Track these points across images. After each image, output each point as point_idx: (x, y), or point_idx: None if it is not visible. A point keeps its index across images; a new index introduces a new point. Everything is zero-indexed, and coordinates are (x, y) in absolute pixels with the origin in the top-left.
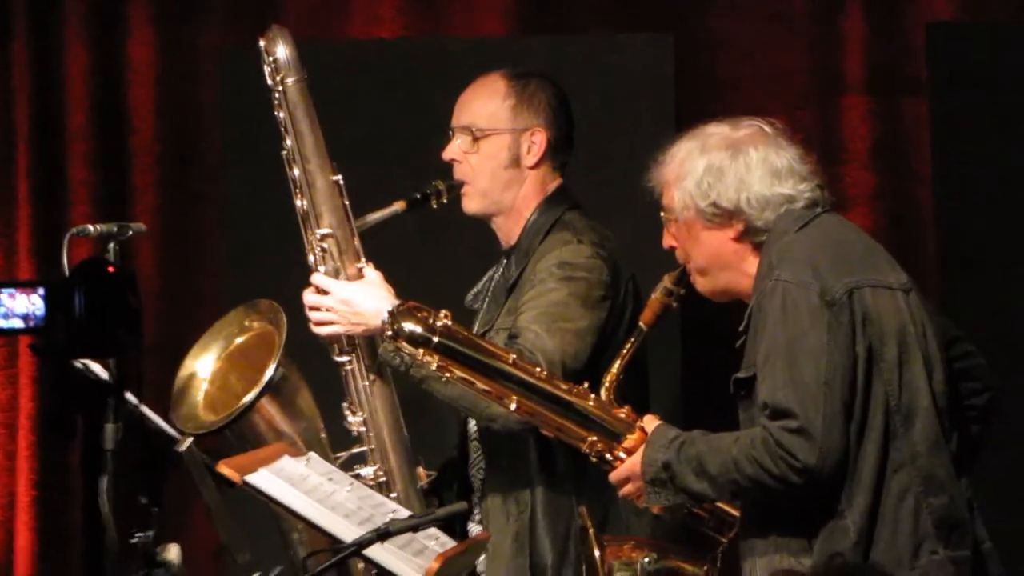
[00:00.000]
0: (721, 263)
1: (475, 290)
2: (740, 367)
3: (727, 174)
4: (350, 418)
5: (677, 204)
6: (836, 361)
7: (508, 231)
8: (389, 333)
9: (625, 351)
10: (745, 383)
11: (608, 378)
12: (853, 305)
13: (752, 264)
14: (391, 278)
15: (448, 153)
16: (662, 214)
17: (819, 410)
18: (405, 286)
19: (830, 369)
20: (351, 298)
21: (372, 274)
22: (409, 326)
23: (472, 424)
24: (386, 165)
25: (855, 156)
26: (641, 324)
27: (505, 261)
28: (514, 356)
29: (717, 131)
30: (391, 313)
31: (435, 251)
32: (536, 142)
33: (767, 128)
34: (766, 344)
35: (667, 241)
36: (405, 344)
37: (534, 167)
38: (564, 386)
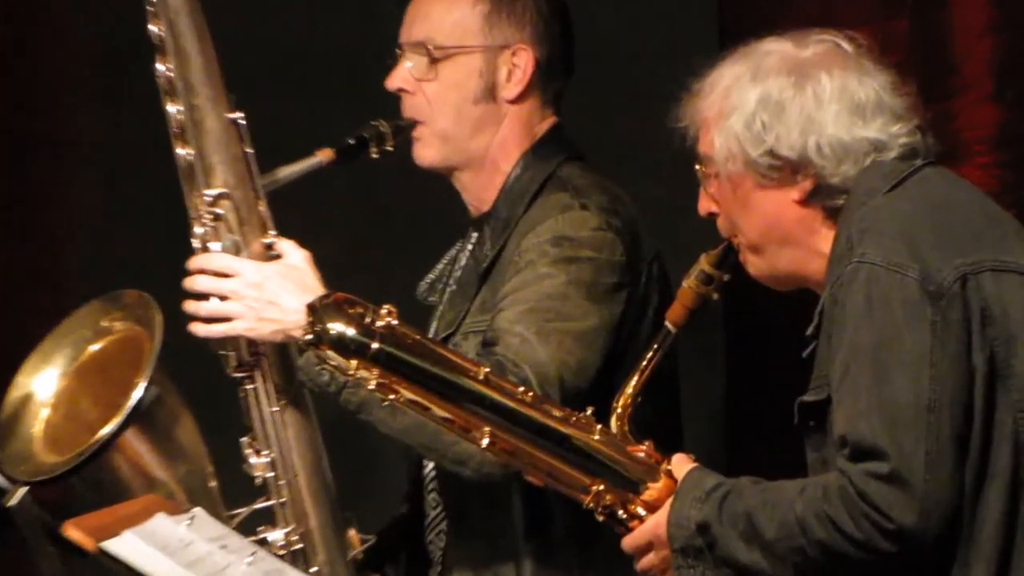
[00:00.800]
0: (781, 236)
1: (431, 277)
2: (808, 386)
3: (789, 110)
4: (252, 459)
5: (719, 152)
6: (944, 377)
7: (479, 192)
8: (309, 337)
9: (645, 363)
10: (815, 409)
11: (622, 401)
12: (968, 297)
13: (825, 238)
14: (319, 262)
15: (394, 80)
16: (697, 167)
17: (920, 446)
18: (333, 270)
19: (935, 388)
20: (264, 283)
21: (295, 253)
22: (338, 327)
23: (429, 466)
24: (310, 98)
25: (974, 81)
26: (668, 324)
27: (475, 235)
28: (487, 370)
29: (776, 49)
30: (312, 308)
31: (376, 220)
32: (519, 64)
33: (845, 45)
34: (844, 354)
35: (704, 205)
36: (332, 353)
37: (516, 100)
38: (558, 413)
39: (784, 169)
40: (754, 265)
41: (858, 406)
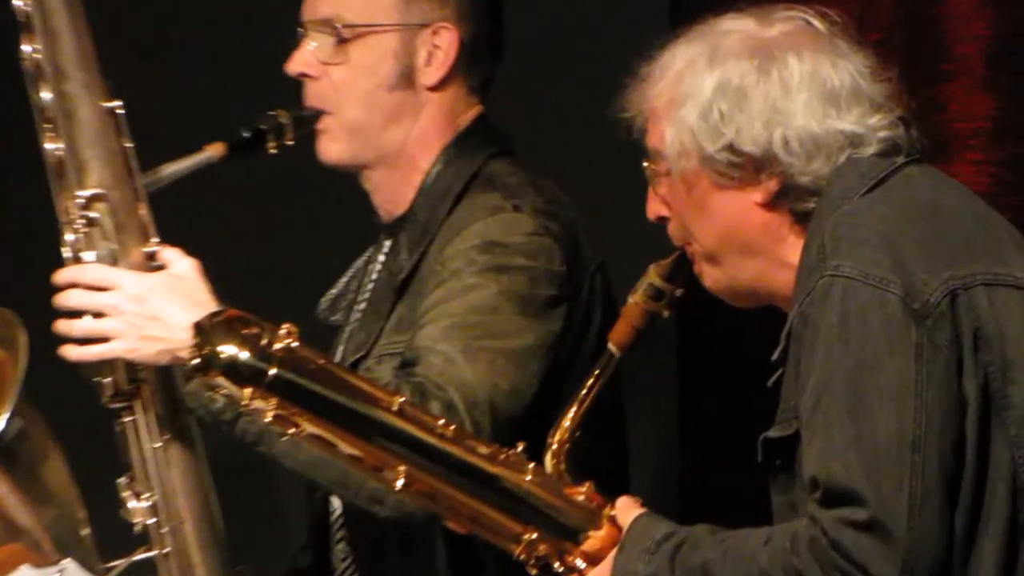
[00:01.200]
0: (742, 244)
1: (334, 292)
2: (774, 419)
3: (752, 98)
4: (131, 503)
5: (670, 147)
6: (931, 409)
7: (393, 192)
8: (196, 362)
9: (585, 391)
10: (782, 446)
11: (558, 436)
12: (958, 315)
13: (793, 247)
14: (210, 272)
15: (296, 64)
16: (645, 164)
17: (902, 490)
18: (224, 281)
19: (921, 422)
20: (146, 296)
21: (181, 262)
22: (229, 350)
23: (337, 511)
24: (197, 84)
25: (966, 65)
26: (612, 346)
27: (389, 243)
28: (402, 400)
29: (737, 28)
30: (200, 328)
31: (274, 225)
32: (441, 46)
33: (817, 23)
34: (816, 382)
35: (654, 208)
36: (223, 380)
37: (437, 87)
38: (485, 450)
39: (745, 167)
40: (711, 278)
41: (831, 443)
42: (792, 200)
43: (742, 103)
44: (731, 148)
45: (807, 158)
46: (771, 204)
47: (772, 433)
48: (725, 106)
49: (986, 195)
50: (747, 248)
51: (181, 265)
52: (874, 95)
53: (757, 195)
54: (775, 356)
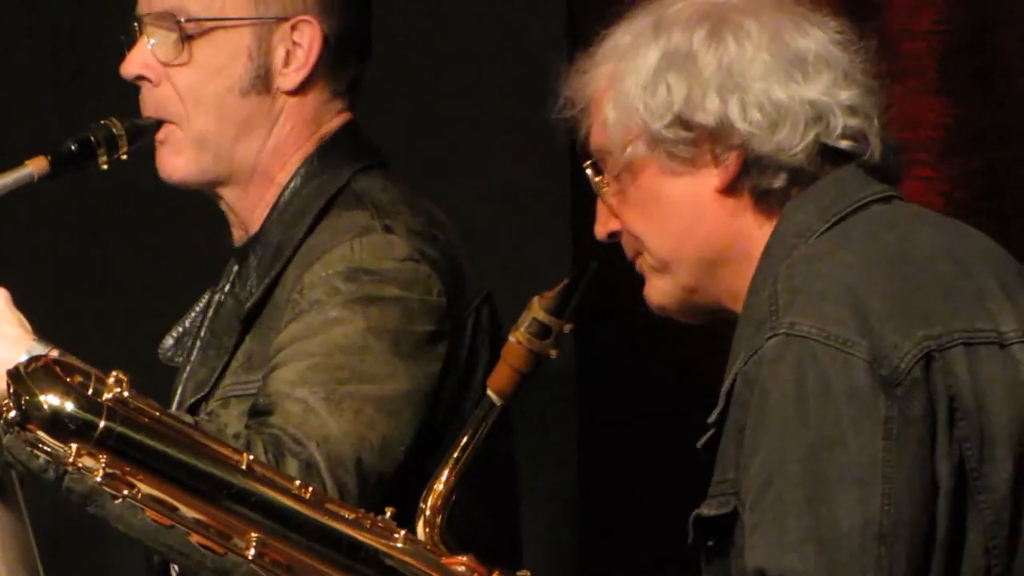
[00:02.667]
0: (700, 242)
1: (179, 329)
2: (706, 491)
3: (703, 62)
4: None
5: (614, 132)
6: (901, 493)
7: (248, 212)
8: (12, 414)
9: (462, 448)
10: (717, 526)
11: (431, 500)
12: (933, 383)
13: (756, 247)
14: (24, 303)
15: (132, 65)
16: (588, 170)
17: None
18: (43, 317)
19: (889, 510)
20: None
21: None
22: (51, 401)
23: (176, 574)
24: (16, 88)
25: (913, 65)
26: (491, 393)
27: (237, 268)
28: (252, 457)
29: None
30: (15, 376)
31: (104, 251)
32: (301, 43)
33: None
34: (766, 459)
35: (603, 224)
36: (43, 435)
37: (297, 90)
38: (349, 515)
39: (699, 143)
40: (659, 291)
41: (785, 534)
42: (755, 177)
43: (692, 69)
44: (680, 121)
45: (770, 126)
46: (731, 187)
47: (706, 511)
48: (672, 76)
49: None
50: (706, 246)
51: None
52: (847, 65)
53: (714, 179)
54: (712, 417)
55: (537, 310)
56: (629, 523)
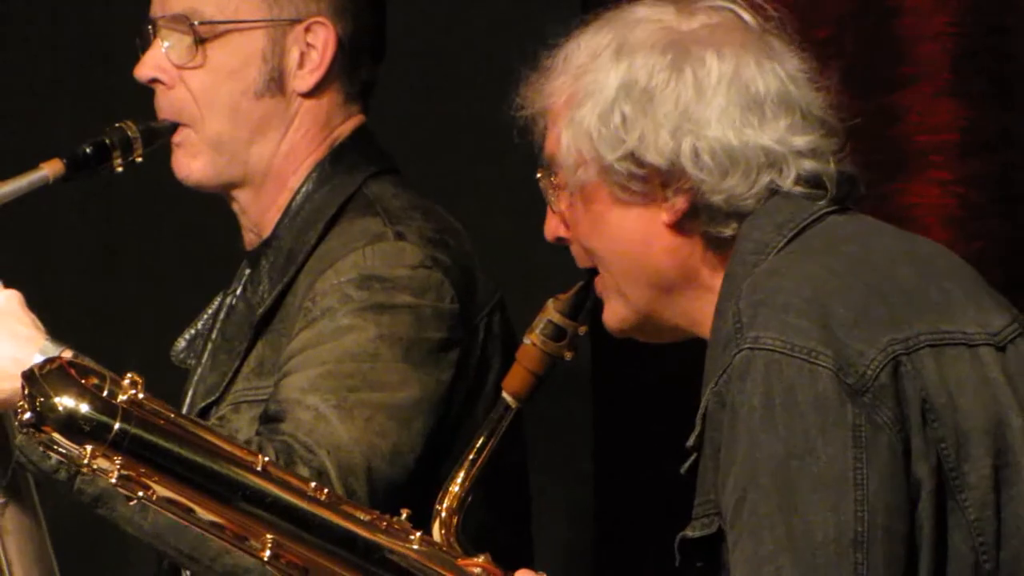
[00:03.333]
0: (650, 271)
1: (191, 332)
2: (691, 515)
3: (660, 100)
4: None
5: (566, 155)
6: (874, 499)
7: (260, 215)
8: (27, 416)
9: (476, 450)
10: (703, 547)
11: (447, 503)
12: (902, 387)
13: (712, 276)
14: (38, 303)
15: (146, 68)
16: (539, 175)
17: None
18: (57, 319)
19: (863, 516)
20: None
21: (2, 297)
22: (66, 403)
23: None
24: (32, 94)
25: (928, 69)
26: (507, 396)
27: (249, 271)
28: (267, 459)
29: (651, 17)
30: (30, 378)
31: (118, 253)
32: (315, 45)
33: (747, 17)
34: (739, 474)
35: (552, 227)
36: (58, 436)
37: (311, 93)
38: (365, 516)
39: (649, 180)
40: (615, 314)
41: (761, 546)
42: (705, 222)
43: (647, 106)
44: (633, 158)
45: (720, 174)
46: (680, 225)
47: (690, 532)
48: (628, 108)
49: (953, 219)
50: (656, 274)
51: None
52: (808, 105)
53: (663, 214)
54: (690, 441)
55: (552, 312)
56: (644, 526)
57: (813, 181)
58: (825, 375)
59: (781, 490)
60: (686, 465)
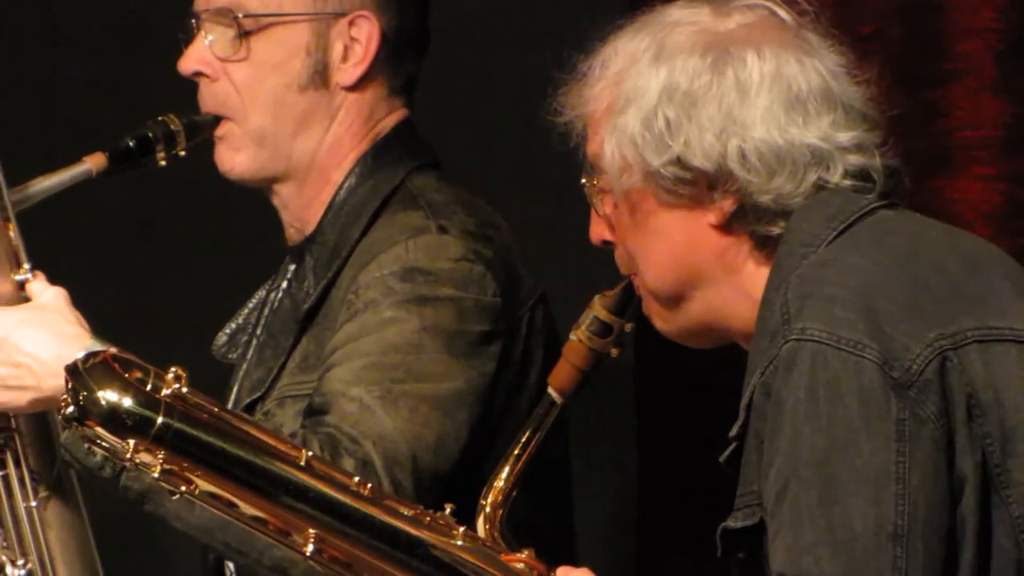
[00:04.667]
0: (694, 274)
1: (232, 326)
2: (733, 506)
3: (703, 103)
4: (8, 570)
5: (610, 161)
6: (915, 494)
7: (303, 210)
8: (70, 410)
9: (522, 445)
10: (745, 537)
11: (491, 498)
12: (948, 382)
13: (753, 278)
14: (82, 300)
15: (189, 62)
16: (584, 180)
17: None
18: (102, 314)
19: (903, 510)
20: (10, 336)
21: (48, 293)
22: (110, 397)
23: (232, 570)
24: (82, 85)
25: (971, 65)
26: (552, 391)
27: (294, 267)
28: (311, 454)
29: (688, 19)
30: (73, 372)
31: (161, 248)
32: (359, 38)
33: (783, 14)
34: (782, 465)
35: (597, 231)
36: (103, 431)
37: (355, 86)
38: (408, 512)
39: (696, 184)
40: (659, 315)
41: (801, 536)
42: (752, 222)
43: (691, 110)
44: (679, 162)
45: (768, 174)
46: (726, 226)
47: (732, 523)
48: (672, 113)
49: (996, 216)
50: (700, 278)
51: (46, 295)
52: (849, 100)
53: (711, 216)
54: (733, 431)
55: (599, 308)
56: (687, 518)
57: (861, 175)
58: (870, 368)
59: (822, 482)
60: (726, 454)
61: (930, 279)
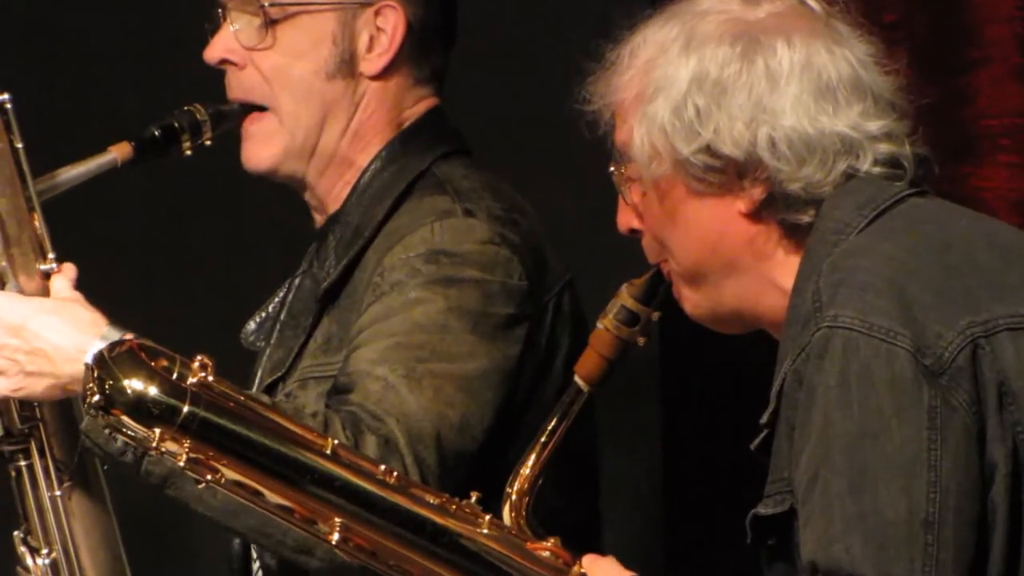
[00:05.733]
0: (724, 262)
1: (262, 315)
2: (763, 493)
3: (733, 92)
4: (29, 560)
5: (639, 149)
6: (947, 481)
7: (327, 194)
8: (96, 399)
9: (548, 432)
10: (775, 524)
11: (517, 485)
12: (980, 370)
13: (783, 266)
14: (108, 290)
15: (216, 50)
16: (612, 168)
17: None
18: (122, 302)
19: (935, 497)
20: (27, 323)
21: (67, 291)
22: (135, 385)
23: (258, 562)
24: (99, 76)
25: (997, 52)
26: (579, 379)
27: (317, 248)
28: (337, 442)
29: (717, 8)
30: (99, 361)
31: (187, 236)
32: (385, 28)
33: (811, 3)
34: (813, 452)
35: (624, 219)
36: (129, 419)
37: (380, 75)
38: (434, 500)
39: (726, 172)
40: (690, 301)
41: (831, 524)
42: (782, 210)
43: (721, 98)
44: (709, 151)
45: (798, 162)
46: (756, 214)
47: (763, 510)
48: (702, 101)
49: (1022, 204)
50: (730, 265)
51: (63, 284)
52: (879, 89)
53: (741, 204)
54: (763, 419)
55: (626, 297)
56: (714, 509)
57: (891, 163)
58: (902, 355)
59: (853, 469)
60: (756, 441)
61: (962, 267)
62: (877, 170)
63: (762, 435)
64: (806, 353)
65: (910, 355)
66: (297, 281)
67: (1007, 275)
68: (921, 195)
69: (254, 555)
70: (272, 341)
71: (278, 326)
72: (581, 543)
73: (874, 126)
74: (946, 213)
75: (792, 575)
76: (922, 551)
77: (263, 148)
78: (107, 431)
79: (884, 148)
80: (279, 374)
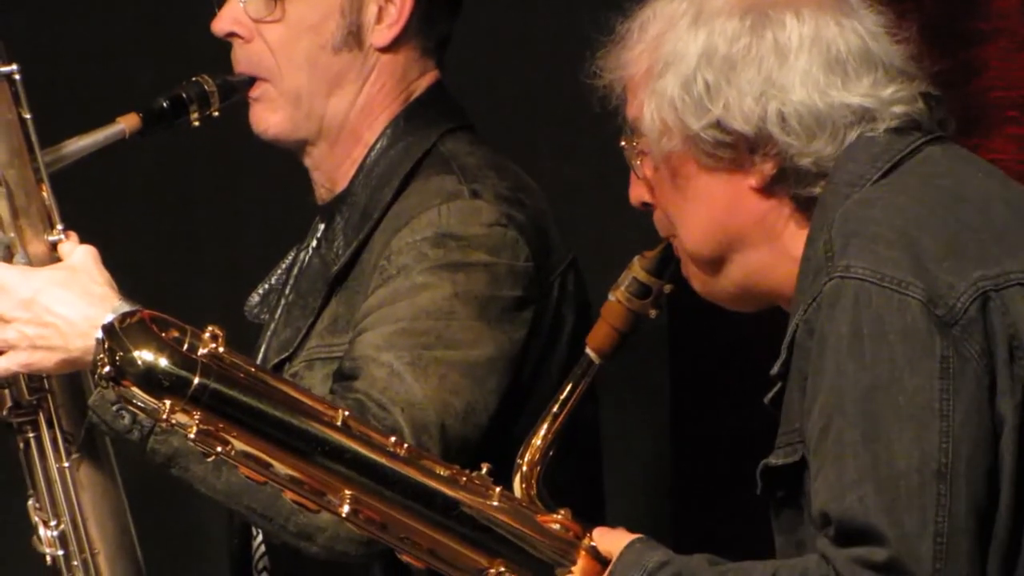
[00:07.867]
0: (735, 237)
1: (265, 287)
2: (774, 444)
3: (742, 66)
4: (41, 531)
5: (650, 124)
6: (959, 431)
7: (334, 170)
8: (107, 370)
9: (560, 404)
10: (785, 475)
11: (528, 456)
12: (991, 321)
13: (795, 238)
14: (115, 262)
15: (223, 22)
16: (623, 142)
17: (927, 526)
18: (133, 273)
19: (947, 447)
20: (35, 298)
21: (78, 253)
22: (146, 356)
23: (259, 540)
24: (108, 46)
25: (1005, 24)
26: (590, 351)
27: (323, 227)
28: (347, 414)
29: None
30: (110, 332)
31: (194, 208)
32: (394, 0)
33: None
34: (825, 402)
35: (636, 193)
36: (139, 391)
37: (388, 48)
38: (444, 472)
39: (736, 147)
40: (698, 278)
41: (844, 473)
42: (793, 184)
43: (731, 73)
44: (719, 126)
45: (808, 137)
46: (767, 189)
47: (774, 460)
48: (711, 76)
49: None
50: (741, 241)
51: (76, 255)
52: (889, 60)
53: (751, 179)
54: (775, 369)
55: (638, 270)
56: (720, 481)
57: (906, 122)
58: (915, 306)
59: (866, 419)
60: (770, 395)
61: (975, 221)
62: (894, 123)
63: (775, 388)
64: (817, 303)
65: (922, 305)
66: (303, 257)
67: (1020, 231)
68: (937, 140)
69: (255, 532)
70: (278, 319)
71: (284, 303)
72: (585, 515)
73: (886, 92)
74: (961, 165)
75: (800, 527)
76: (935, 500)
77: (271, 114)
78: (115, 406)
79: (898, 109)
80: (286, 354)
